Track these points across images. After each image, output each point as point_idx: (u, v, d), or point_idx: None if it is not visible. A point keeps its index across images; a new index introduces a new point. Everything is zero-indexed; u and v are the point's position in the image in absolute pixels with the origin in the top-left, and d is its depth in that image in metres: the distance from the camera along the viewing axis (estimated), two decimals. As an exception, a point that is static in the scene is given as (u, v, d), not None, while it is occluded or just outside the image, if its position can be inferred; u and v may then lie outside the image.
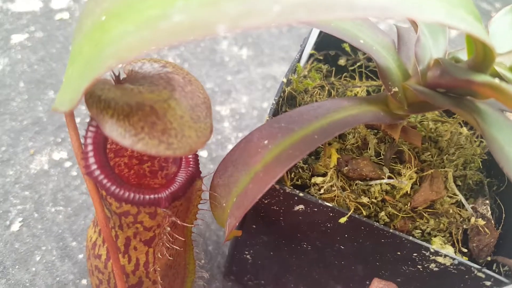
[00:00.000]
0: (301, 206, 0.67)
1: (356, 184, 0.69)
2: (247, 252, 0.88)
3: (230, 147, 1.31)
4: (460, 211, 0.70)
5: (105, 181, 0.59)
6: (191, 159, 0.66)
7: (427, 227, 0.69)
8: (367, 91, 0.86)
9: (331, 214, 0.66)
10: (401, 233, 0.64)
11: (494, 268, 0.69)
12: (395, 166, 0.72)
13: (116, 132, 0.51)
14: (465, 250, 0.70)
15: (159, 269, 0.73)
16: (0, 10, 1.53)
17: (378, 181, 0.69)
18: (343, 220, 0.65)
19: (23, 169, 1.14)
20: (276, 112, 0.75)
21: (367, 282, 0.78)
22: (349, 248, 0.73)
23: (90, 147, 0.58)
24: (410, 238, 0.64)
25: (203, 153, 1.28)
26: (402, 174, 0.70)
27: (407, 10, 0.42)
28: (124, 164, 0.82)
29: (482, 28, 0.52)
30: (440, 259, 0.64)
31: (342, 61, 0.91)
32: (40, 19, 1.55)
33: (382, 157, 0.73)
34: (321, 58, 0.91)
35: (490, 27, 0.67)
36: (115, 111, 0.52)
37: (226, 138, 1.34)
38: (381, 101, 0.66)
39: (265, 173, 0.60)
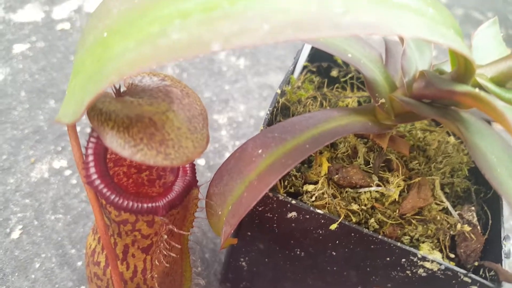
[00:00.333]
0: (294, 213, 0.69)
1: (346, 192, 0.72)
2: (242, 259, 0.90)
3: (227, 155, 1.32)
4: (447, 217, 0.73)
5: (105, 190, 0.61)
6: (188, 169, 0.68)
7: (416, 234, 0.71)
8: (358, 101, 0.89)
9: (322, 221, 0.68)
10: (390, 239, 0.67)
11: (481, 273, 0.70)
12: (383, 174, 0.75)
13: (116, 143, 0.54)
14: (453, 256, 0.72)
15: (156, 276, 0.75)
16: (2, 20, 1.56)
17: (367, 189, 0.71)
18: (333, 226, 0.67)
19: (23, 177, 1.16)
20: (270, 122, 0.77)
21: None
22: (341, 254, 0.75)
23: (91, 157, 0.60)
24: (398, 244, 0.66)
25: (200, 162, 1.31)
26: (390, 182, 0.73)
27: (390, 28, 0.44)
28: (123, 173, 0.84)
29: (462, 42, 0.55)
30: (427, 265, 0.66)
31: (334, 73, 0.94)
32: (42, 29, 1.58)
33: (371, 165, 0.75)
34: (314, 69, 0.94)
35: (474, 39, 0.70)
36: (115, 123, 0.54)
37: (224, 147, 1.36)
38: (370, 111, 0.69)
39: (259, 181, 0.62)
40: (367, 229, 0.67)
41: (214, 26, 0.40)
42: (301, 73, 0.93)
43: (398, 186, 0.72)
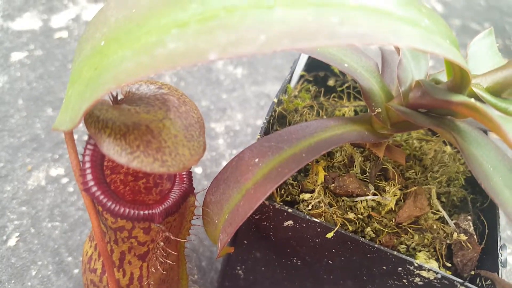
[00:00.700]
0: (290, 222, 0.69)
1: (342, 201, 0.72)
2: (239, 268, 0.90)
3: (224, 163, 1.33)
4: (443, 226, 0.73)
5: (101, 197, 0.61)
6: (184, 176, 0.69)
7: (412, 242, 0.71)
8: (355, 110, 0.90)
9: (319, 230, 0.68)
10: (386, 248, 0.66)
11: (477, 282, 0.71)
12: (380, 183, 0.75)
13: (113, 151, 0.54)
14: (450, 265, 0.72)
15: (152, 283, 0.75)
16: (1, 29, 1.56)
17: (363, 198, 0.71)
18: (330, 235, 0.67)
19: (20, 185, 1.16)
20: (267, 131, 0.78)
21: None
22: (338, 263, 0.75)
23: (88, 165, 0.61)
24: (395, 252, 0.66)
25: (197, 170, 1.31)
26: (386, 191, 0.73)
27: (385, 38, 0.45)
28: (120, 180, 0.84)
29: (457, 52, 0.55)
30: (424, 273, 0.66)
31: (331, 82, 0.94)
32: (40, 38, 1.58)
33: (368, 174, 0.75)
34: (311, 79, 0.95)
35: (469, 49, 0.70)
36: (112, 131, 0.55)
37: (221, 155, 1.36)
38: (366, 121, 0.69)
39: (256, 190, 0.62)
40: (363, 238, 0.67)
41: (211, 36, 0.41)
42: (298, 82, 0.93)
43: (394, 195, 0.72)
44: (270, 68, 1.69)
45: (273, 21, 0.41)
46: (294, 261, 0.80)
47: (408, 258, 0.66)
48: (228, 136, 1.42)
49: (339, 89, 0.95)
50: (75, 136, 1.30)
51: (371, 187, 0.73)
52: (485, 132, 0.79)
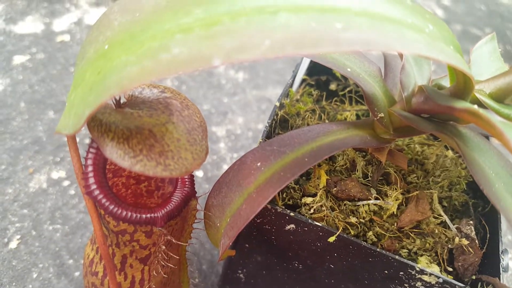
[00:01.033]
0: (292, 226, 0.69)
1: (344, 205, 0.72)
2: (240, 271, 0.90)
3: (225, 167, 1.33)
4: (445, 231, 0.73)
5: (103, 200, 0.61)
6: (186, 180, 0.69)
7: (414, 247, 0.71)
8: (357, 115, 0.90)
9: (320, 234, 0.68)
10: (388, 252, 0.67)
11: (479, 286, 0.70)
12: (382, 187, 0.75)
13: (116, 154, 0.54)
14: (451, 269, 0.72)
15: (154, 286, 0.75)
16: (3, 32, 1.57)
17: (365, 202, 0.71)
18: (332, 239, 0.67)
19: (22, 188, 1.16)
20: (269, 134, 0.78)
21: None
22: (339, 267, 0.75)
23: (90, 168, 0.61)
24: (397, 257, 0.66)
25: (199, 173, 1.31)
26: (388, 195, 0.73)
27: (389, 44, 0.45)
28: (122, 184, 0.84)
29: (461, 58, 0.55)
30: (425, 278, 0.66)
31: (333, 86, 0.94)
32: (42, 41, 1.59)
33: (370, 178, 0.75)
34: (313, 83, 0.95)
35: (472, 55, 0.70)
36: (115, 134, 0.55)
37: (222, 159, 1.36)
38: (368, 125, 0.69)
39: (258, 194, 0.62)
40: (365, 242, 0.67)
41: (215, 41, 0.41)
42: (299, 86, 0.93)
43: (396, 200, 0.72)
44: (271, 72, 1.70)
45: (277, 26, 0.41)
46: (296, 265, 0.80)
47: (409, 262, 0.66)
48: (229, 139, 1.42)
49: (341, 93, 0.95)
50: (77, 139, 1.30)
51: (373, 191, 0.73)
52: (487, 137, 0.79)
